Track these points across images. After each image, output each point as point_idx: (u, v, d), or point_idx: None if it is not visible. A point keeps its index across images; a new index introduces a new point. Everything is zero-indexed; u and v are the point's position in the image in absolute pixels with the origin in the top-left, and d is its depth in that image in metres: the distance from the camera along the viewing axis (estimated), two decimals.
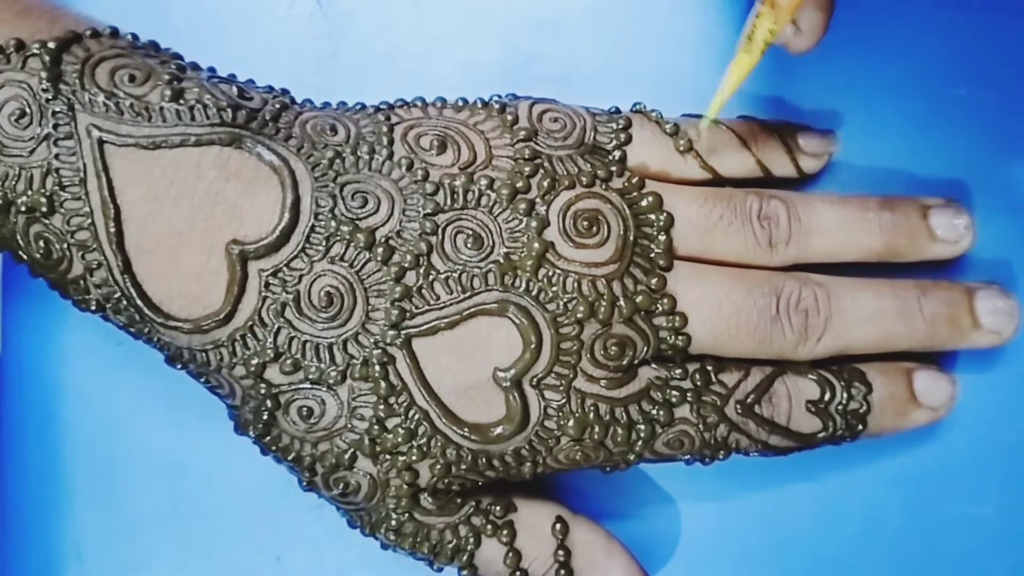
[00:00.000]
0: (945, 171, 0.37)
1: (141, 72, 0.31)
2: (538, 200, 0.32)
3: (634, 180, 0.33)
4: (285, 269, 0.31)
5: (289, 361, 0.31)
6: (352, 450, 0.32)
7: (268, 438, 0.33)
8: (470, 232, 0.32)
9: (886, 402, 0.34)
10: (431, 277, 0.31)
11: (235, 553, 0.39)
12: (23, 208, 0.30)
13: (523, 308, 0.31)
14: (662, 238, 0.33)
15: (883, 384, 0.34)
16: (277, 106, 0.32)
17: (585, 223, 0.32)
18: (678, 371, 0.33)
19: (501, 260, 0.31)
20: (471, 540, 0.33)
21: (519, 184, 0.32)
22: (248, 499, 0.39)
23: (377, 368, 0.31)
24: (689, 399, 0.33)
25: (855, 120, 0.38)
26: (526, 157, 0.33)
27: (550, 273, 0.31)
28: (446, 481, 0.32)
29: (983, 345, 0.35)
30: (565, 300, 0.31)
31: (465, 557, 0.34)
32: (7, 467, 0.39)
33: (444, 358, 0.31)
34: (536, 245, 0.31)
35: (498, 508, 0.34)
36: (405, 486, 0.32)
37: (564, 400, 0.32)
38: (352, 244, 0.31)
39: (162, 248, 0.31)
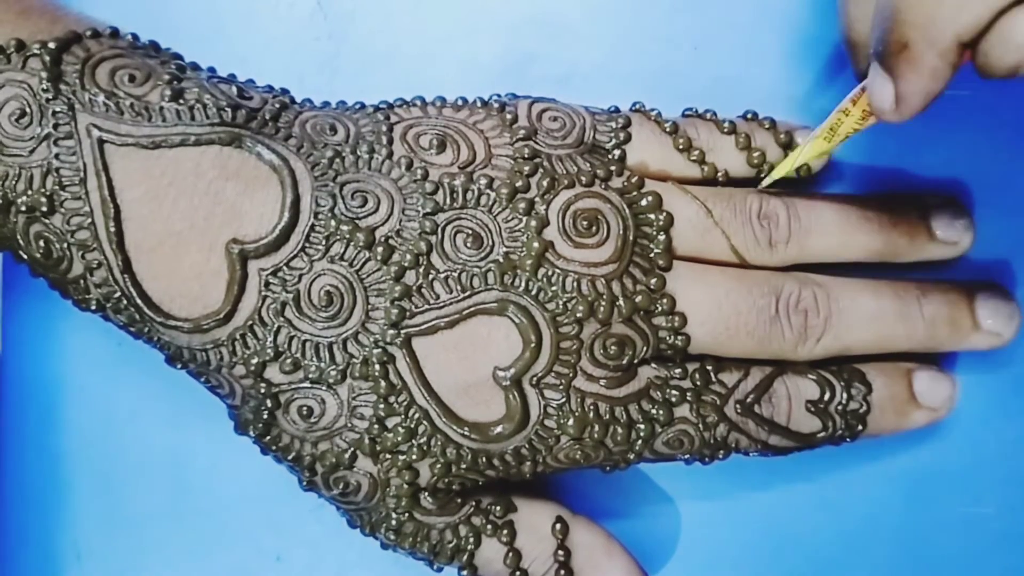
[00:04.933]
0: (945, 171, 0.37)
1: (141, 72, 0.31)
2: (537, 199, 0.32)
3: (634, 179, 0.33)
4: (285, 268, 0.31)
5: (289, 360, 0.31)
6: (352, 449, 0.32)
7: (268, 437, 0.33)
8: (470, 231, 0.32)
9: (886, 402, 0.34)
10: (431, 276, 0.31)
11: (235, 553, 0.39)
12: (23, 208, 0.30)
13: (523, 307, 0.31)
14: (661, 238, 0.33)
15: (883, 384, 0.34)
16: (277, 106, 0.32)
17: (584, 222, 0.32)
18: (678, 371, 0.33)
19: (501, 259, 0.31)
20: (471, 540, 0.33)
21: (518, 183, 0.32)
22: (248, 499, 0.39)
23: (377, 367, 0.31)
24: (689, 399, 0.33)
25: None
26: (525, 156, 0.33)
27: (549, 272, 0.31)
28: (446, 480, 0.33)
29: (983, 346, 0.35)
30: (565, 299, 0.31)
31: (465, 557, 0.34)
32: (7, 467, 0.39)
33: (444, 357, 0.31)
34: (535, 244, 0.31)
35: (498, 508, 0.34)
36: (405, 485, 0.32)
37: (564, 399, 0.32)
38: (352, 243, 0.31)
39: (162, 247, 0.31)
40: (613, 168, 0.33)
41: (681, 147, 0.35)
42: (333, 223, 0.31)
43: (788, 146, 0.36)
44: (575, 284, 0.32)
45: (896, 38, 0.26)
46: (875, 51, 0.28)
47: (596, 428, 0.32)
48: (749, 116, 0.36)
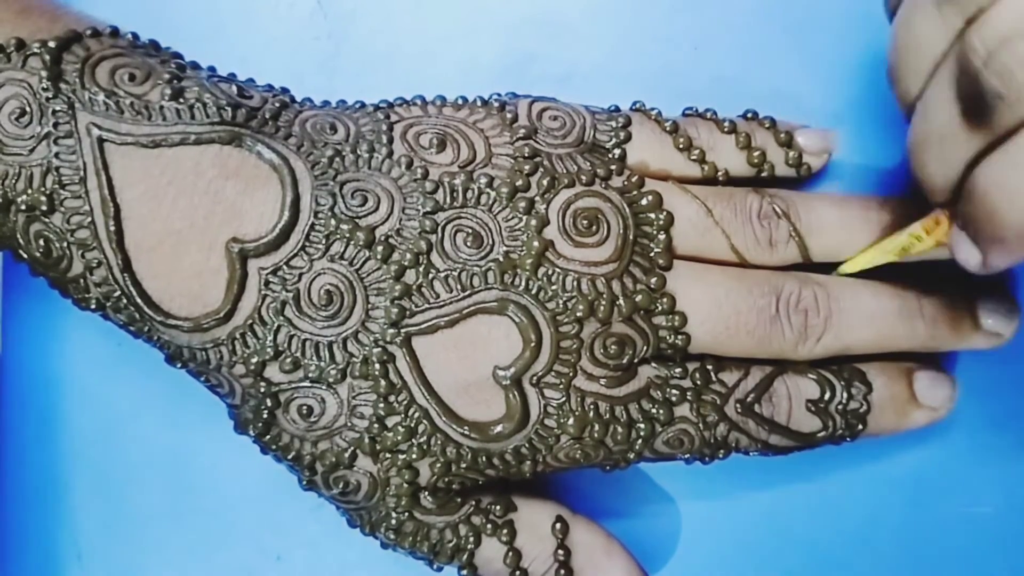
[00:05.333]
0: None
1: (141, 71, 0.31)
2: (538, 198, 0.32)
3: (634, 179, 0.33)
4: (285, 267, 0.31)
5: (289, 359, 0.31)
6: (352, 448, 0.32)
7: (268, 437, 0.33)
8: (470, 230, 0.32)
9: (886, 402, 0.34)
10: (431, 275, 0.31)
11: (235, 553, 0.39)
12: (23, 207, 0.30)
13: (523, 307, 0.31)
14: (662, 237, 0.33)
15: (883, 384, 0.34)
16: (277, 105, 0.32)
17: (585, 222, 0.32)
18: (678, 370, 0.33)
19: (501, 259, 0.31)
20: (471, 539, 0.33)
21: (519, 182, 0.32)
22: (248, 499, 0.39)
23: (377, 366, 0.31)
24: (689, 398, 0.33)
25: (855, 120, 0.38)
26: (526, 155, 0.33)
27: (550, 272, 0.31)
28: (446, 480, 0.32)
29: (983, 346, 0.35)
30: (565, 299, 0.31)
31: (465, 556, 0.34)
32: (7, 467, 0.39)
33: (444, 356, 0.31)
34: (536, 243, 0.31)
35: (498, 507, 0.34)
36: (405, 485, 0.32)
37: (564, 398, 0.32)
38: (352, 242, 0.31)
39: (162, 246, 0.31)
40: (613, 167, 0.33)
41: (681, 146, 0.35)
42: (333, 222, 0.31)
43: (788, 145, 0.36)
44: (575, 283, 0.32)
45: (992, 233, 0.26)
46: (964, 228, 0.28)
47: (596, 427, 0.32)
48: (749, 116, 0.36)
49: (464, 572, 0.34)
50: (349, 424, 0.32)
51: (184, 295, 0.31)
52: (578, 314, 0.31)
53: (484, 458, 0.32)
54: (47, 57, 0.30)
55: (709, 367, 0.33)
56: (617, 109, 0.36)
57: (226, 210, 0.31)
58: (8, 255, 0.33)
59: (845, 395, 0.34)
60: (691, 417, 0.33)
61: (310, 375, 0.31)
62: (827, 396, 0.34)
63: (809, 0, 0.37)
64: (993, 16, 0.24)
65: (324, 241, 0.31)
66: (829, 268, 0.35)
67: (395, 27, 0.39)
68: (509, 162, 0.33)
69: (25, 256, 0.32)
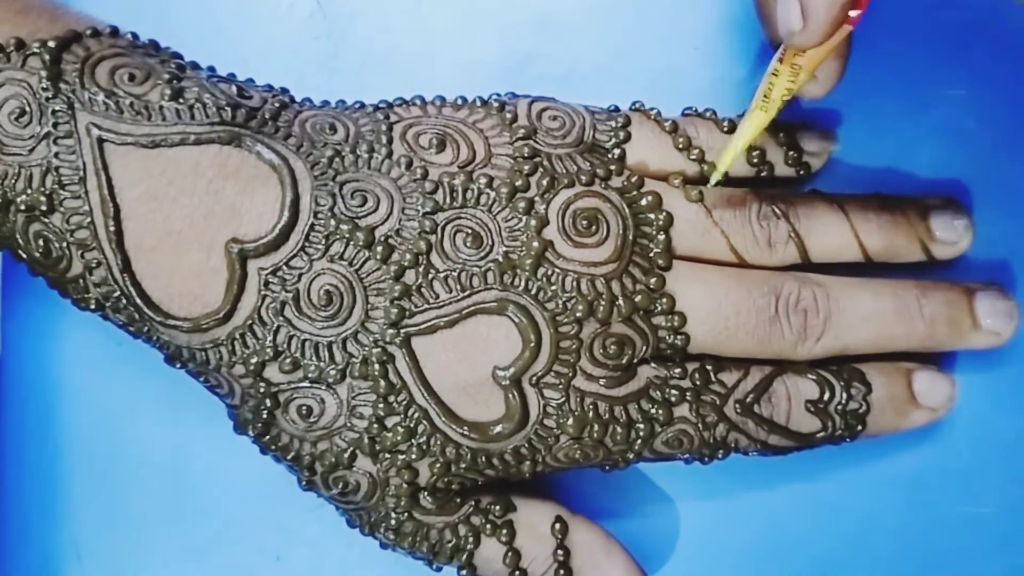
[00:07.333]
0: (945, 171, 0.37)
1: (141, 71, 0.31)
2: (537, 199, 0.32)
3: (633, 179, 0.33)
4: (284, 268, 0.31)
5: (288, 360, 0.31)
6: (351, 449, 0.32)
7: (267, 437, 0.33)
8: (469, 231, 0.32)
9: (885, 402, 0.34)
10: (430, 276, 0.31)
11: (235, 553, 0.39)
12: (22, 207, 0.30)
13: (522, 307, 0.31)
14: (661, 237, 0.33)
15: (882, 384, 0.34)
16: (276, 105, 0.32)
17: (584, 222, 0.32)
18: (677, 370, 0.33)
19: (500, 259, 0.31)
20: (470, 539, 0.33)
21: (518, 183, 0.32)
22: (248, 499, 0.39)
23: (376, 367, 0.31)
24: (688, 398, 0.33)
25: (855, 120, 0.38)
26: (525, 155, 0.33)
27: (549, 272, 0.32)
28: (446, 480, 0.32)
29: (982, 346, 0.35)
30: (564, 299, 0.31)
31: (464, 556, 0.34)
32: (7, 467, 0.39)
33: (443, 357, 0.31)
34: (535, 244, 0.31)
35: (497, 507, 0.34)
36: (405, 485, 0.32)
37: (563, 399, 0.32)
38: (351, 243, 0.31)
39: (161, 247, 0.31)
40: (613, 167, 0.33)
41: (681, 146, 0.35)
42: (333, 222, 0.31)
43: (787, 145, 0.36)
44: (575, 283, 0.32)
45: None
46: None
47: (595, 427, 0.32)
48: None
49: (463, 572, 0.34)
50: (348, 424, 0.32)
51: (184, 295, 0.31)
52: (577, 314, 0.31)
53: (484, 458, 0.32)
54: (47, 57, 0.30)
55: (708, 367, 0.33)
56: (617, 109, 0.36)
57: (226, 210, 0.31)
58: (8, 255, 0.33)
59: (844, 395, 0.34)
60: (690, 417, 0.33)
61: (309, 375, 0.31)
62: (826, 396, 0.34)
63: None
64: None
65: (324, 241, 0.31)
66: (829, 269, 0.35)
67: (395, 27, 0.39)
68: (509, 162, 0.33)
69: (24, 256, 0.32)
